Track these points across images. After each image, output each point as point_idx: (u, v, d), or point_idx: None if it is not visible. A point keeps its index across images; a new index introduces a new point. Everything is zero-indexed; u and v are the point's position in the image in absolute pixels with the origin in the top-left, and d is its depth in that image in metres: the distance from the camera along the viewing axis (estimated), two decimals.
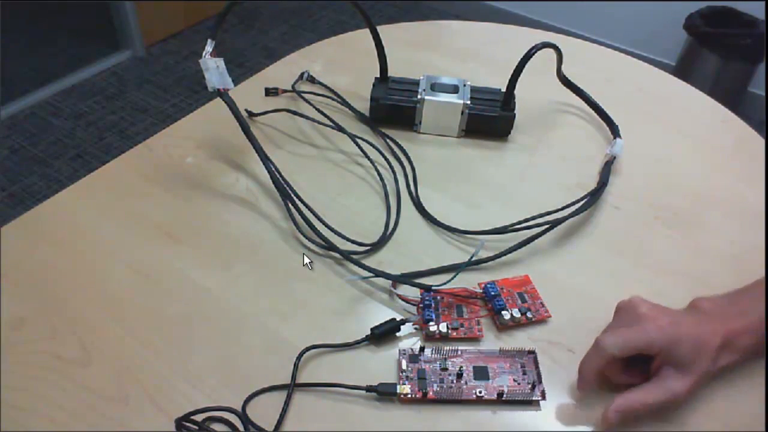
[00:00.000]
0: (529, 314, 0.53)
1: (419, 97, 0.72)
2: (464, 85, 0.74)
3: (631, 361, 0.47)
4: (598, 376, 0.47)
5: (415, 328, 0.52)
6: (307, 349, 0.49)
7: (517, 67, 0.70)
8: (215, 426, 0.45)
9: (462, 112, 0.72)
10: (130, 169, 0.67)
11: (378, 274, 0.55)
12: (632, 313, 0.49)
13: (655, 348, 0.46)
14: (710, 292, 0.57)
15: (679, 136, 0.76)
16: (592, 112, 0.78)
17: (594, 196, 0.64)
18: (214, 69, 0.61)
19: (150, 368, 0.49)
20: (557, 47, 0.72)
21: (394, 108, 0.73)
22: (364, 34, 0.74)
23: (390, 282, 0.55)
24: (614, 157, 0.69)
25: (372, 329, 0.51)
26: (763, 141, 0.75)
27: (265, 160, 0.60)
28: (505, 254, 0.58)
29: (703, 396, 0.49)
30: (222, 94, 0.61)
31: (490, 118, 0.72)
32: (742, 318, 0.49)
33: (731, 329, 0.47)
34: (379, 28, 0.72)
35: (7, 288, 0.54)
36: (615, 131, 0.73)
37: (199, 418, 0.44)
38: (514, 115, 0.73)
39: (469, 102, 0.72)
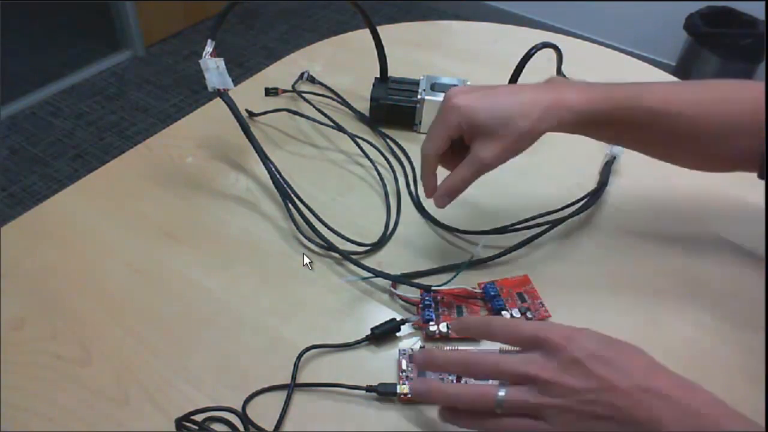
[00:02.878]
0: (528, 314, 0.53)
1: (419, 97, 0.72)
2: (464, 85, 0.74)
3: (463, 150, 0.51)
4: (433, 179, 0.53)
5: (415, 329, 0.52)
6: (308, 349, 0.50)
7: (517, 67, 0.70)
8: (215, 426, 0.45)
9: None
10: (130, 169, 0.67)
11: (378, 274, 0.55)
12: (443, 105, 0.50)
13: (460, 127, 0.48)
14: (710, 292, 0.57)
15: None
16: None
17: (594, 196, 0.64)
18: (214, 69, 0.61)
19: (150, 368, 0.49)
20: (557, 47, 0.72)
21: (394, 108, 0.73)
22: (364, 34, 0.74)
23: (390, 282, 0.55)
24: (614, 158, 0.69)
25: (372, 329, 0.51)
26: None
27: (265, 160, 0.60)
28: (504, 254, 0.58)
29: None
30: (222, 94, 0.61)
31: None
32: (587, 91, 0.50)
33: (565, 97, 0.49)
34: (379, 28, 0.71)
35: (7, 288, 0.54)
36: None
37: (199, 418, 0.44)
38: None
39: None
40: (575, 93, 0.50)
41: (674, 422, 0.37)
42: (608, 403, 0.38)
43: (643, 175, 0.70)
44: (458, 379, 0.47)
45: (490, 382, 0.42)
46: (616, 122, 0.51)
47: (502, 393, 0.40)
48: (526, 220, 0.61)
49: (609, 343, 0.41)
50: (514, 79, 0.70)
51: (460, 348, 0.51)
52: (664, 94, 0.51)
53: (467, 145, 0.51)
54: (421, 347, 0.50)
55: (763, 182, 0.70)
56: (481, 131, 0.49)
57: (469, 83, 0.74)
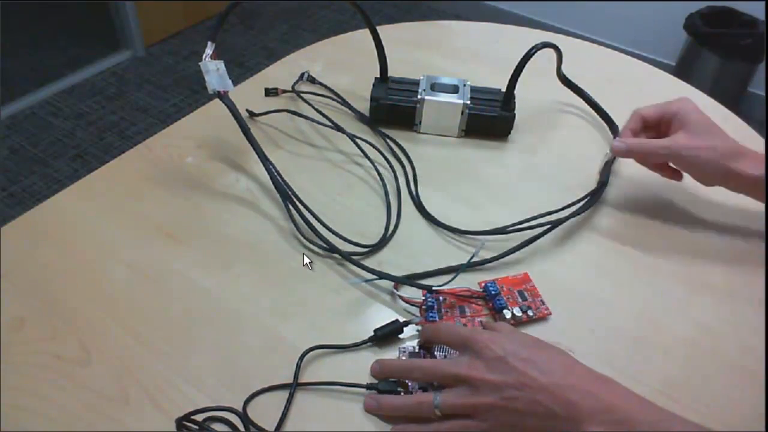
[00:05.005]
0: (530, 312, 0.53)
1: (419, 97, 0.72)
2: (464, 85, 0.74)
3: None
4: (627, 132, 0.63)
5: (417, 330, 0.52)
6: (311, 349, 0.49)
7: (517, 67, 0.70)
8: (216, 426, 0.45)
9: (462, 112, 0.72)
10: (130, 169, 0.67)
11: (382, 276, 0.55)
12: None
13: (675, 115, 0.61)
14: (710, 293, 0.57)
15: None
16: (592, 111, 0.78)
17: (594, 197, 0.64)
18: (214, 72, 0.61)
19: (150, 368, 0.49)
20: (557, 47, 0.72)
21: (394, 108, 0.73)
22: (364, 34, 0.74)
23: (391, 283, 0.55)
24: (614, 157, 0.69)
25: (375, 330, 0.51)
26: (763, 141, 0.75)
27: (266, 161, 0.60)
28: (505, 255, 0.58)
29: (703, 396, 0.49)
30: (222, 96, 0.61)
31: (490, 118, 0.72)
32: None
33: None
34: (379, 28, 0.71)
35: (7, 288, 0.54)
36: (615, 131, 0.73)
37: (199, 418, 0.44)
38: (514, 115, 0.73)
39: (469, 102, 0.72)
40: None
41: (591, 415, 0.40)
42: (530, 399, 0.41)
43: (643, 175, 0.70)
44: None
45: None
46: None
47: (437, 398, 0.44)
48: (527, 221, 0.61)
49: (532, 344, 0.45)
50: (514, 79, 0.70)
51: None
52: None
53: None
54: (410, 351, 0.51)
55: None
56: (686, 126, 0.60)
57: (469, 83, 0.74)
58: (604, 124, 0.76)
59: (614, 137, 0.72)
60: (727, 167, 0.58)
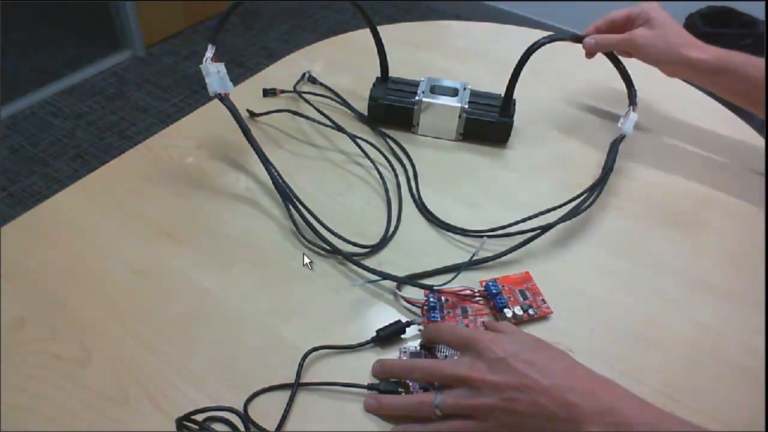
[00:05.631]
0: (531, 311, 0.53)
1: (417, 98, 0.72)
2: (464, 89, 0.73)
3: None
4: (593, 30, 0.73)
5: (419, 331, 0.52)
6: (314, 349, 0.49)
7: (514, 72, 0.69)
8: (216, 426, 0.45)
9: (459, 116, 0.72)
10: (130, 169, 0.67)
11: (384, 276, 0.55)
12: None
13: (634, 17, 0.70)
14: (710, 292, 0.57)
15: (680, 136, 0.76)
16: (593, 110, 0.78)
17: (600, 185, 0.64)
18: (214, 74, 0.61)
19: (150, 368, 0.49)
20: (552, 38, 0.70)
21: (391, 108, 0.73)
22: (365, 34, 0.74)
23: (392, 283, 0.55)
24: (623, 136, 0.68)
25: (377, 331, 0.51)
26: (763, 141, 0.75)
27: (266, 163, 0.60)
28: (506, 254, 0.58)
29: (703, 396, 0.49)
30: (223, 98, 0.61)
31: (487, 123, 0.71)
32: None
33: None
34: (379, 28, 0.71)
35: (7, 288, 0.54)
36: (632, 97, 0.72)
37: (199, 417, 0.44)
38: (513, 121, 0.72)
39: (467, 106, 0.71)
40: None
41: (592, 417, 0.40)
42: (530, 400, 0.41)
43: (643, 175, 0.70)
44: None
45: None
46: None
47: (438, 398, 0.44)
48: (529, 218, 0.61)
49: (534, 346, 0.45)
50: (512, 83, 0.70)
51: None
52: None
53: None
54: (423, 347, 0.50)
55: (762, 182, 0.70)
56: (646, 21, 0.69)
57: (470, 87, 0.73)
58: (604, 124, 0.76)
59: (629, 105, 0.72)
60: (678, 53, 0.67)
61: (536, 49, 0.68)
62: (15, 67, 1.95)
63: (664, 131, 0.77)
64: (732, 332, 0.54)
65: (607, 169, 0.65)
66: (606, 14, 0.74)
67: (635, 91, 0.73)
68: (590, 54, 0.73)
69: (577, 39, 0.73)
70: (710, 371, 0.51)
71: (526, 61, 0.68)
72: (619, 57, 0.73)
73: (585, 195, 0.63)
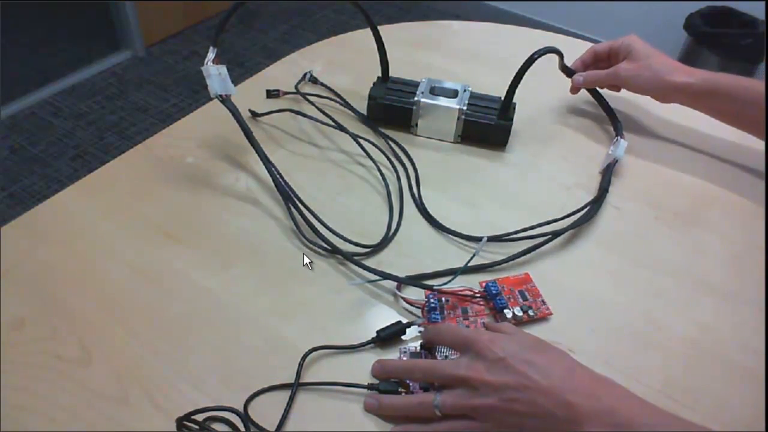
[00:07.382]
0: (531, 312, 0.53)
1: (416, 98, 0.72)
2: (464, 91, 0.73)
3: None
4: (581, 65, 0.76)
5: (420, 332, 0.52)
6: (315, 349, 0.49)
7: (517, 73, 0.69)
8: (216, 426, 0.45)
9: (458, 117, 0.71)
10: (130, 169, 0.67)
11: (385, 276, 0.55)
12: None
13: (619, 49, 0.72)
14: (710, 292, 0.57)
15: (680, 136, 0.76)
16: (593, 111, 0.78)
17: (595, 204, 0.64)
18: (216, 76, 0.61)
19: (150, 368, 0.49)
20: (559, 51, 0.71)
21: (390, 108, 0.73)
22: (365, 34, 0.74)
23: (392, 283, 0.55)
24: (616, 161, 0.68)
25: (378, 332, 0.51)
26: (763, 141, 0.75)
27: (267, 163, 0.60)
28: (507, 261, 0.58)
29: (703, 396, 0.49)
30: (224, 100, 0.61)
31: (486, 125, 0.71)
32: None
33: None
34: (379, 28, 0.71)
35: (7, 288, 0.54)
36: (618, 129, 0.73)
37: (199, 417, 0.44)
38: (511, 124, 0.71)
39: (465, 108, 0.71)
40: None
41: (591, 417, 0.40)
42: (530, 401, 0.41)
43: (643, 176, 0.70)
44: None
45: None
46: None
47: (438, 398, 0.44)
48: (531, 228, 0.60)
49: (533, 346, 0.45)
50: (513, 86, 0.70)
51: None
52: None
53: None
54: (423, 347, 0.50)
55: (762, 182, 0.70)
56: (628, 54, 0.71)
57: (470, 89, 0.73)
58: (604, 124, 0.76)
59: (616, 135, 0.72)
60: (663, 80, 0.68)
61: (537, 59, 0.68)
62: (15, 67, 1.95)
63: (664, 131, 0.77)
64: (732, 332, 0.54)
65: (602, 190, 0.66)
66: (588, 48, 0.76)
67: (620, 123, 0.74)
68: (576, 90, 0.75)
69: (567, 72, 0.76)
70: (710, 371, 0.51)
71: (527, 69, 0.68)
72: (602, 91, 0.77)
73: (585, 208, 0.64)
